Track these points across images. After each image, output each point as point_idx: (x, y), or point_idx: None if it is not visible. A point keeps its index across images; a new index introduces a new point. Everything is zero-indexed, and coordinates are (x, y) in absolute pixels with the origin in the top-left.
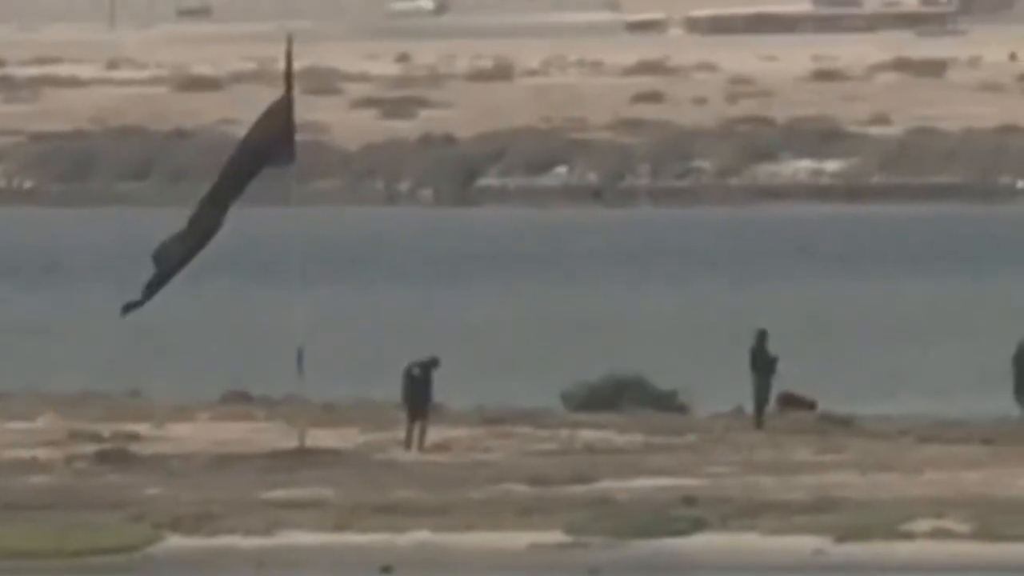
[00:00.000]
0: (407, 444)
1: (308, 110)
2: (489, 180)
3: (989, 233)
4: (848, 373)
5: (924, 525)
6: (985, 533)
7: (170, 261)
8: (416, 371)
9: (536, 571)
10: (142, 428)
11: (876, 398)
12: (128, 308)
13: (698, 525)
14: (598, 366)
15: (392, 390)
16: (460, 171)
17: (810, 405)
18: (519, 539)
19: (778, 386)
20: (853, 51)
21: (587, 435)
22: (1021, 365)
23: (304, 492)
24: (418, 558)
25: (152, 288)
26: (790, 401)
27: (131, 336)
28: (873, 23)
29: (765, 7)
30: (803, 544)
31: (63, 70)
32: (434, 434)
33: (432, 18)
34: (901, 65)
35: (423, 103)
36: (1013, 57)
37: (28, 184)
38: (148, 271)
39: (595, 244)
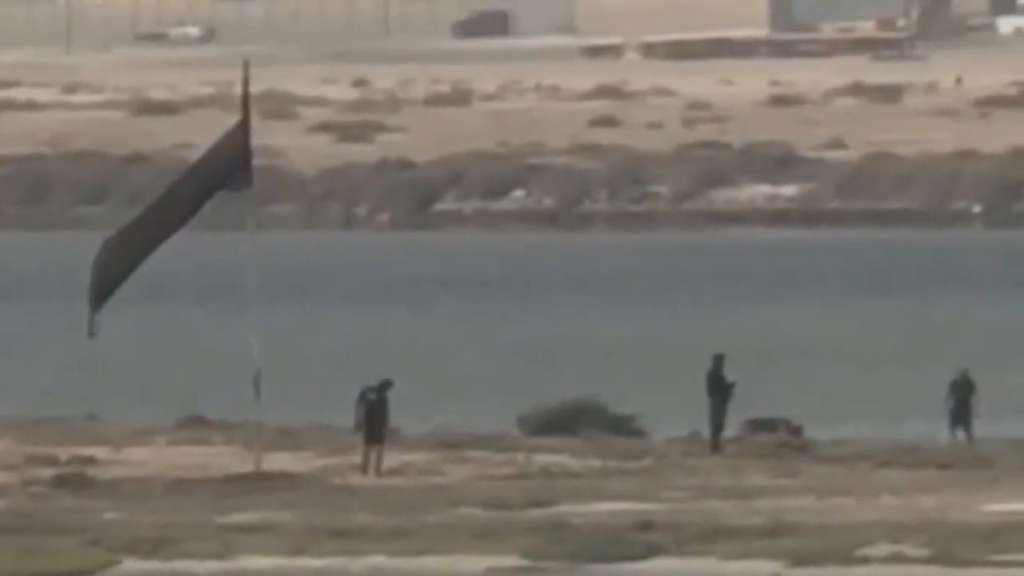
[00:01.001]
0: (364, 468)
1: (265, 134)
2: (446, 204)
3: (944, 258)
4: (804, 397)
5: (881, 550)
6: (942, 557)
7: (108, 276)
8: (372, 395)
9: None
10: (99, 452)
11: (831, 422)
12: (92, 332)
13: (654, 549)
14: (555, 391)
15: (349, 414)
16: (417, 195)
17: (792, 428)
18: (476, 563)
19: (735, 410)
20: (810, 76)
21: (544, 459)
22: (959, 393)
23: (261, 516)
24: None
25: (95, 303)
26: (766, 426)
27: (88, 360)
28: (830, 48)
29: (722, 32)
30: (759, 569)
31: (20, 94)
32: (391, 458)
33: (384, 41)
34: (858, 90)
35: (380, 127)
36: (959, 81)
37: None
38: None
39: (552, 269)
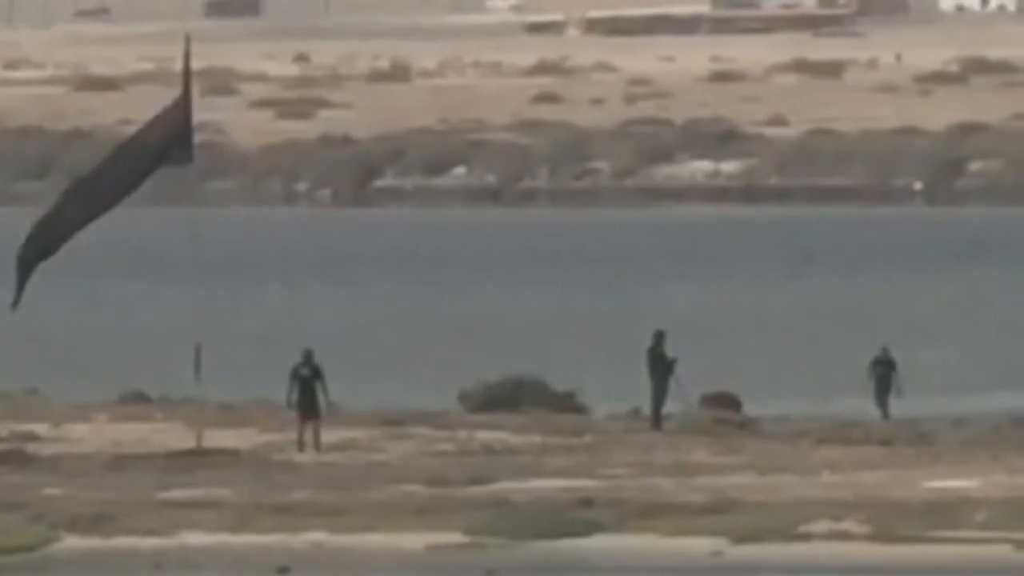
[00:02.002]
0: (300, 445)
1: (206, 110)
2: (387, 181)
3: (886, 235)
4: (743, 374)
5: (822, 527)
6: (883, 535)
7: (37, 249)
8: (304, 371)
9: (434, 572)
10: (40, 428)
11: (769, 399)
12: (15, 304)
13: (595, 526)
14: (496, 367)
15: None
16: (358, 172)
17: (737, 404)
18: (417, 540)
19: (674, 387)
20: (751, 53)
21: (485, 436)
22: (880, 370)
23: (201, 492)
24: (315, 559)
25: (23, 273)
26: (717, 401)
27: (28, 336)
28: (771, 25)
29: (663, 8)
30: (700, 545)
31: None
32: (331, 435)
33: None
34: (799, 67)
35: (321, 104)
36: (898, 58)
37: None
38: (45, 270)
39: (493, 245)
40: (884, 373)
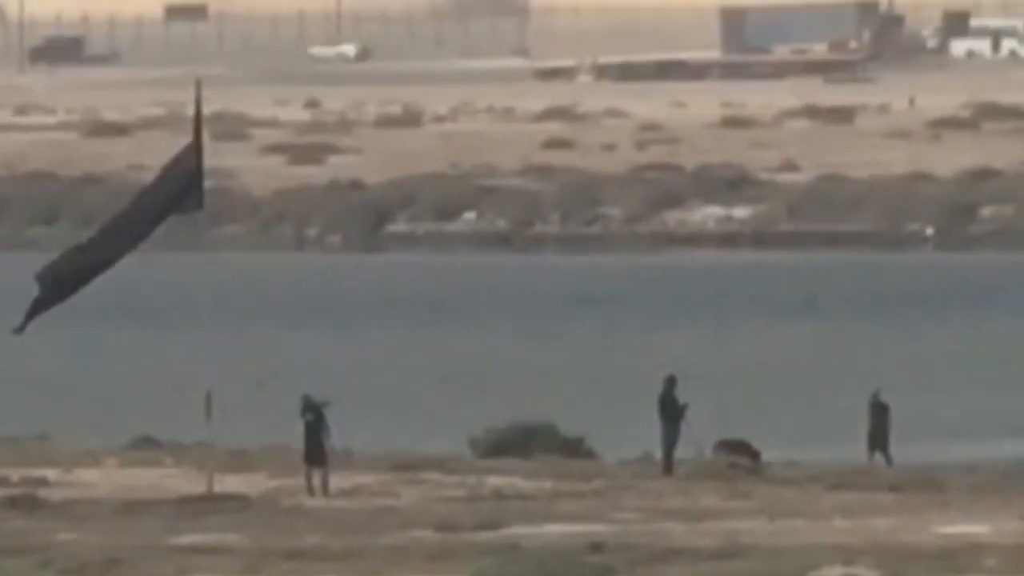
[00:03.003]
0: (309, 490)
1: (217, 156)
2: (398, 226)
3: (897, 280)
4: (756, 419)
5: (832, 572)
6: None
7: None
8: (309, 416)
9: None
10: (51, 473)
11: (780, 444)
12: (19, 330)
13: (606, 571)
14: (506, 412)
15: (301, 436)
16: (369, 217)
17: (753, 453)
18: None
19: (686, 432)
20: (762, 98)
21: (495, 481)
22: (876, 414)
23: (212, 538)
24: None
25: (32, 314)
26: (732, 448)
27: (39, 381)
28: (782, 70)
29: (674, 54)
30: None
31: None
32: (342, 480)
33: (345, 64)
34: (810, 112)
35: (332, 149)
36: (912, 102)
37: None
38: (57, 315)
39: (504, 290)
40: (879, 419)
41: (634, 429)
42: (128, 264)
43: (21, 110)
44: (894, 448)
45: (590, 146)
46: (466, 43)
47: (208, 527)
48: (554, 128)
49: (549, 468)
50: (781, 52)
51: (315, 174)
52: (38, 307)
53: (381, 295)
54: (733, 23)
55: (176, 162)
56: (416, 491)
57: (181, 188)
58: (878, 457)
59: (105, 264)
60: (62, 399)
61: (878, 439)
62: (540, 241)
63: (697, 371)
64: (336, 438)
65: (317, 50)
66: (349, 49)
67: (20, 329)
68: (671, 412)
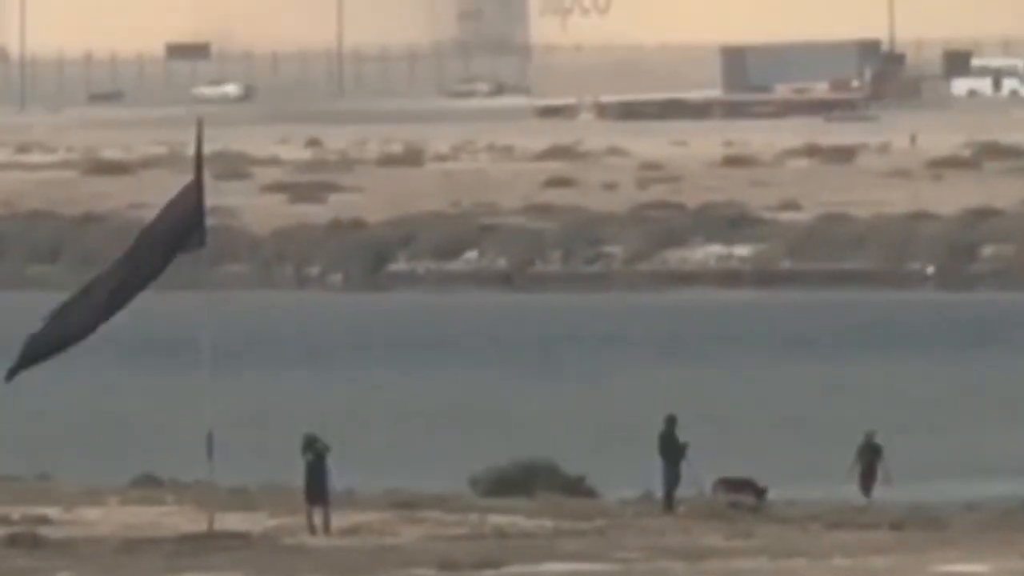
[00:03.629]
0: (310, 529)
1: (218, 194)
2: (399, 265)
3: (899, 319)
4: (757, 458)
5: None
6: None
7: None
8: (309, 456)
9: None
10: (52, 511)
11: (781, 482)
12: (9, 378)
13: None
14: (507, 451)
15: (301, 474)
16: (370, 256)
17: (758, 490)
18: None
19: (687, 471)
20: (763, 137)
21: (496, 519)
22: (866, 456)
23: None
24: None
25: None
26: (735, 485)
27: (40, 420)
28: (783, 109)
29: (675, 93)
30: None
31: None
32: (343, 518)
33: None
34: (811, 151)
35: (333, 188)
36: (914, 140)
37: None
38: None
39: (506, 329)
40: (870, 459)
41: (635, 468)
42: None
43: (22, 148)
44: (894, 487)
45: (591, 185)
46: (468, 81)
47: (209, 565)
48: (555, 167)
49: (550, 507)
50: (782, 91)
51: (316, 213)
52: (30, 359)
53: (382, 334)
54: (734, 62)
55: (177, 201)
56: (417, 530)
57: (183, 227)
58: (874, 495)
59: (107, 315)
60: (63, 437)
61: (867, 479)
62: (541, 280)
63: (698, 410)
64: (337, 477)
65: (202, 90)
66: (232, 89)
67: (9, 377)
68: (672, 451)
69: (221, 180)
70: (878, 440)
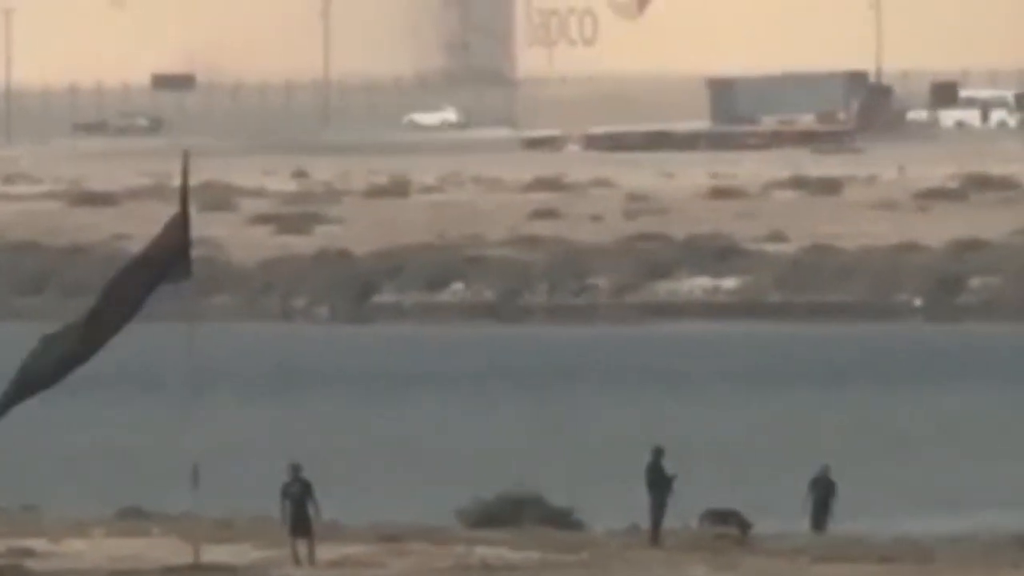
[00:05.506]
0: (295, 561)
1: (204, 226)
2: (385, 297)
3: (886, 351)
4: (744, 490)
5: None
6: None
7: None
8: (293, 488)
9: None
10: (38, 544)
11: (775, 515)
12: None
13: None
14: (494, 483)
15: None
16: (356, 287)
17: (742, 523)
18: None
19: (673, 503)
20: (750, 168)
21: (483, 552)
22: (819, 491)
23: None
24: None
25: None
26: (720, 518)
27: (26, 452)
28: (770, 141)
29: (662, 125)
30: None
31: None
32: (329, 551)
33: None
34: (798, 183)
35: (319, 219)
36: (901, 170)
37: None
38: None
39: (492, 361)
40: (823, 494)
41: (622, 500)
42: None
43: (8, 180)
44: (881, 519)
45: (578, 216)
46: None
47: None
48: (542, 198)
49: (537, 539)
50: (769, 123)
51: (302, 244)
52: (17, 396)
53: (368, 365)
54: (721, 94)
55: (163, 235)
56: (404, 562)
57: (168, 258)
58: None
59: (93, 349)
60: (49, 470)
61: (821, 514)
62: (528, 312)
63: (685, 442)
64: (322, 509)
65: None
66: (143, 120)
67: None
68: (659, 483)
69: (207, 211)
70: (831, 476)
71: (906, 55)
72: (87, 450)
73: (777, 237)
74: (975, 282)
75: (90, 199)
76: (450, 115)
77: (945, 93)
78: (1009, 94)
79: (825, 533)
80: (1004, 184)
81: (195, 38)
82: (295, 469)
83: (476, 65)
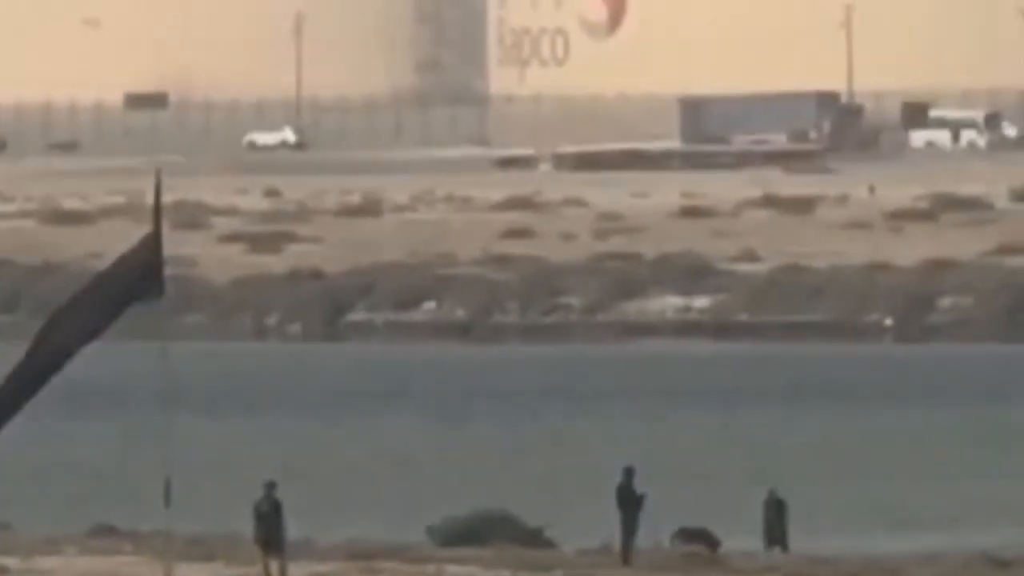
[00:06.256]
0: None
1: (176, 244)
2: (357, 315)
3: (856, 371)
4: (715, 509)
5: None
6: None
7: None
8: (264, 507)
9: None
10: (10, 562)
11: (745, 534)
12: None
13: None
14: (465, 502)
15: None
16: (328, 306)
17: (712, 542)
18: None
19: (644, 522)
20: (722, 188)
21: (453, 570)
22: (771, 511)
23: None
24: None
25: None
26: (690, 536)
27: None
28: (741, 161)
29: (634, 144)
30: None
31: None
32: (300, 568)
33: (299, 153)
34: (769, 202)
35: (291, 238)
36: (872, 190)
37: None
38: None
39: (463, 380)
40: (773, 515)
41: (593, 519)
42: (86, 352)
43: None
44: (853, 537)
45: (550, 235)
46: (425, 132)
47: None
48: (513, 217)
49: (508, 557)
50: (740, 142)
51: (274, 263)
52: None
53: (341, 384)
54: (692, 113)
55: (134, 251)
56: None
57: (140, 276)
58: (776, 550)
59: (60, 362)
60: (22, 488)
61: (775, 534)
62: (499, 331)
63: (656, 461)
64: (293, 527)
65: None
66: (289, 134)
67: None
68: (630, 502)
69: (179, 230)
70: (780, 496)
71: (877, 75)
72: (60, 468)
73: (748, 256)
74: (945, 302)
75: (63, 217)
76: (288, 135)
77: (916, 113)
78: (979, 115)
79: (784, 551)
80: (974, 204)
81: (169, 58)
82: (269, 487)
83: (449, 84)
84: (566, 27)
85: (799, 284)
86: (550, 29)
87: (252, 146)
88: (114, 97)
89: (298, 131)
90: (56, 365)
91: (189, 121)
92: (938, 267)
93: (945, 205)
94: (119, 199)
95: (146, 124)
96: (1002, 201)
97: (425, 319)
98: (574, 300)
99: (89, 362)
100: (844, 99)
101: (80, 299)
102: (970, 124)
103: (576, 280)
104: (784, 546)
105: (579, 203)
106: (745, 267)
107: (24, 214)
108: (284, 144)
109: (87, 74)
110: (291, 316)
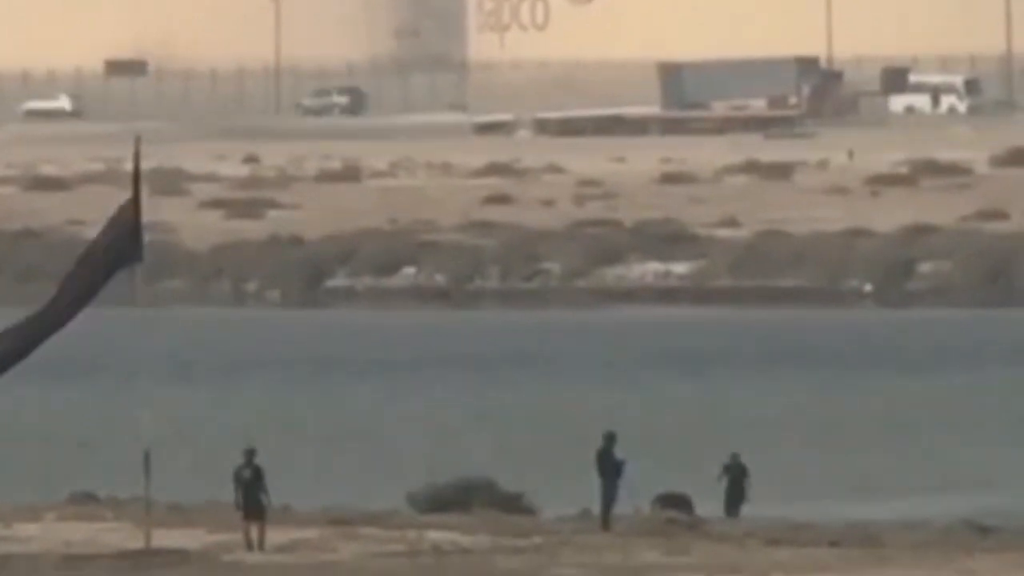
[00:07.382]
0: (248, 545)
1: (156, 210)
2: (337, 281)
3: (836, 336)
4: (693, 475)
5: None
6: None
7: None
8: (246, 472)
9: None
10: None
11: (718, 499)
12: None
13: None
14: (445, 468)
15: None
16: (308, 272)
17: (688, 504)
18: None
19: (624, 488)
20: (701, 154)
21: (434, 536)
22: (731, 475)
23: None
24: None
25: None
26: (668, 501)
27: None
28: (721, 126)
29: (614, 109)
30: None
31: None
32: (280, 535)
33: (270, 119)
34: (749, 168)
35: (271, 204)
36: (851, 155)
37: None
38: None
39: (443, 346)
40: (735, 479)
41: (573, 485)
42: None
43: None
44: (833, 503)
45: (529, 202)
46: (405, 98)
47: None
48: (493, 183)
49: (488, 524)
50: (720, 108)
51: (254, 229)
52: None
53: (320, 350)
54: (671, 79)
55: (116, 218)
56: (355, 546)
57: (120, 242)
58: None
59: (50, 330)
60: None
61: (735, 499)
62: (479, 297)
63: (636, 427)
64: (273, 493)
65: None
66: (65, 102)
67: None
68: (609, 468)
69: (158, 196)
70: (743, 460)
71: (857, 40)
72: (38, 435)
73: (728, 222)
74: (925, 267)
75: (42, 184)
76: (64, 103)
77: (895, 78)
78: (959, 80)
79: (738, 517)
80: (954, 170)
81: (148, 25)
82: (249, 454)
83: (428, 50)
84: None
85: (779, 250)
86: None
87: (30, 113)
88: (95, 64)
89: (74, 98)
90: (48, 332)
91: (168, 88)
92: (918, 232)
93: (925, 170)
94: (99, 166)
95: (126, 91)
96: (982, 166)
97: (405, 285)
98: (554, 266)
99: (67, 328)
100: (824, 64)
101: (78, 269)
102: (949, 89)
103: (555, 246)
104: (736, 512)
105: (558, 169)
106: (724, 233)
107: (3, 181)
108: (61, 111)
109: (66, 41)
110: (270, 282)
